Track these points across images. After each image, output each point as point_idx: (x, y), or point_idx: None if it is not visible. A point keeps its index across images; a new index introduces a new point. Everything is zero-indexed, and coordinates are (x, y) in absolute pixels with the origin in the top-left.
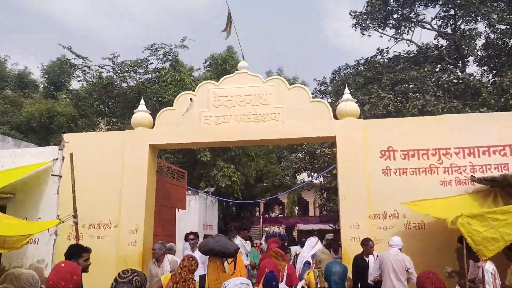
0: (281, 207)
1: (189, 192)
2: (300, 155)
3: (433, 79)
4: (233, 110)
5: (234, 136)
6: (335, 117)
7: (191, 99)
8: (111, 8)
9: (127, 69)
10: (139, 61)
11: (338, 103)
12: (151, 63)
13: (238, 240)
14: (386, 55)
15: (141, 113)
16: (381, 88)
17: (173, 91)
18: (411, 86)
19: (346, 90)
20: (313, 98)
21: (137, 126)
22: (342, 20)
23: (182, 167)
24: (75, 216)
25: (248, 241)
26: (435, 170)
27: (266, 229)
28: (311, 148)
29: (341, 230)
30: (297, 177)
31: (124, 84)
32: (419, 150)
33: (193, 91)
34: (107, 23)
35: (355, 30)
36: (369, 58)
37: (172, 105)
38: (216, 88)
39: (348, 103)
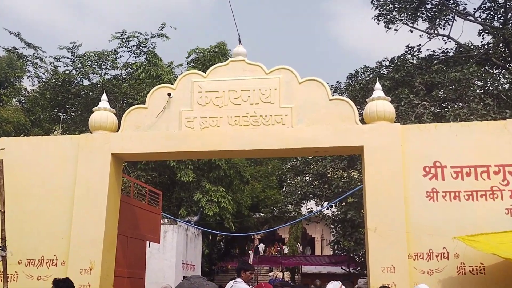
0: (280, 244)
1: (165, 220)
2: (307, 178)
3: (479, 83)
4: (225, 110)
5: (225, 144)
6: (362, 121)
7: (169, 94)
8: (79, 7)
9: (90, 63)
10: (105, 53)
11: (367, 103)
12: (121, 56)
13: (242, 285)
14: (418, 54)
15: (103, 112)
16: (413, 93)
17: (148, 90)
18: (451, 91)
19: (377, 86)
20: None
21: (96, 129)
22: (356, 19)
23: (157, 188)
24: (2, 248)
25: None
26: (499, 194)
27: (270, 274)
28: (321, 169)
29: (369, 274)
30: (303, 206)
31: (86, 82)
32: (477, 167)
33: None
34: (75, 25)
35: (378, 23)
36: (396, 58)
37: (144, 104)
38: (202, 80)
39: (380, 102)
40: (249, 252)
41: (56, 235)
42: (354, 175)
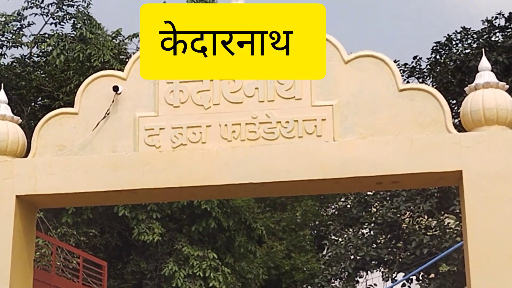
0: None
1: None
2: (365, 231)
3: None
4: (215, 113)
5: (216, 176)
6: (460, 127)
7: (115, 88)
8: None
9: None
10: (3, 19)
11: (467, 94)
12: (30, 24)
13: None
14: None
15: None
16: None
17: (77, 83)
18: None
19: (485, 63)
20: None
21: None
22: None
23: (98, 256)
24: None
25: None
26: None
27: None
28: (390, 216)
29: None
30: (360, 282)
31: None
32: None
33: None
34: None
35: None
36: None
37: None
38: None
39: (490, 92)
40: None
41: None
42: (449, 223)
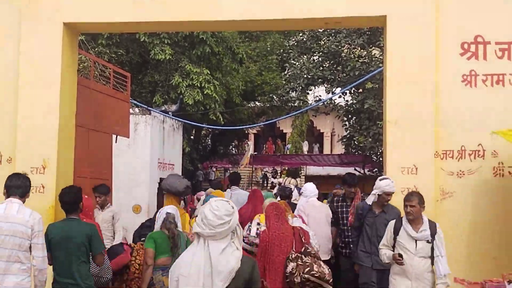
0: (282, 141)
1: (136, 109)
2: (315, 57)
3: None
4: None
5: (212, 13)
6: None
7: None
8: None
9: None
10: None
11: None
12: None
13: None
14: None
15: None
16: None
17: None
18: None
19: None
20: None
21: None
22: None
23: (124, 69)
24: None
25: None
26: None
27: (279, 180)
28: (334, 47)
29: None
30: (309, 93)
31: None
32: None
33: None
34: None
35: None
36: None
37: None
38: None
39: None
40: (247, 143)
41: None
42: (375, 54)
